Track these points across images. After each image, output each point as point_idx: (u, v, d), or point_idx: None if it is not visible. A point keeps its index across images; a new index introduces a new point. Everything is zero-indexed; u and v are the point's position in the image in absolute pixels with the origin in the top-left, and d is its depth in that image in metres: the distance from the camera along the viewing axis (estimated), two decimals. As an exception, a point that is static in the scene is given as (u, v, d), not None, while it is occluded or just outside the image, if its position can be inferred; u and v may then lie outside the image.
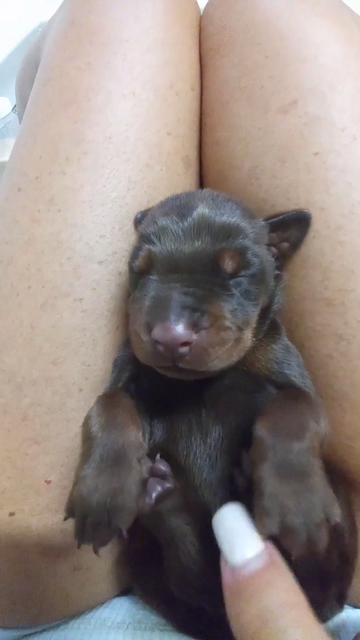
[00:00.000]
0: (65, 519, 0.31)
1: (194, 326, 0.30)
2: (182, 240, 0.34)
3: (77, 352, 0.44)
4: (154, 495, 0.34)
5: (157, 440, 0.38)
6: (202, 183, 0.56)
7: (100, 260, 0.45)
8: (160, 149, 0.49)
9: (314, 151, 0.44)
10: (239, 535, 0.29)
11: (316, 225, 0.43)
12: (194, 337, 0.30)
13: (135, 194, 0.47)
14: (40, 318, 0.44)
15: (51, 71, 0.51)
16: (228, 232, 0.35)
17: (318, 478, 0.29)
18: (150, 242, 0.35)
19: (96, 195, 0.46)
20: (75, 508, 0.31)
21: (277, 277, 0.41)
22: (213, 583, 0.30)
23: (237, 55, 0.50)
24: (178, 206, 0.36)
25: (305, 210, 0.43)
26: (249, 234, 0.36)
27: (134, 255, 0.37)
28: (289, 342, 0.41)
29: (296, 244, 0.44)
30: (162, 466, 0.36)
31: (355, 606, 0.46)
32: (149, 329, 0.30)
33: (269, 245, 0.41)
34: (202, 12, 0.59)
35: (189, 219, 0.35)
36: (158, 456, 0.36)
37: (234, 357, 0.33)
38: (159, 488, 0.35)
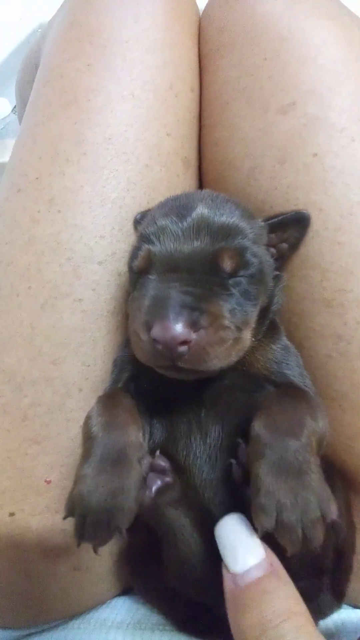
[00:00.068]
0: (65, 517, 0.31)
1: (193, 325, 0.30)
2: (181, 240, 0.34)
3: (77, 353, 0.44)
4: (154, 488, 0.35)
5: (157, 441, 0.38)
6: (201, 184, 0.56)
7: (100, 260, 0.45)
8: (159, 149, 0.49)
9: (312, 152, 0.44)
10: (241, 544, 0.29)
11: (315, 226, 0.43)
12: (193, 336, 0.30)
13: (134, 195, 0.47)
14: (40, 318, 0.44)
15: (51, 72, 0.51)
16: (227, 232, 0.35)
17: (315, 475, 0.29)
18: (150, 242, 0.35)
19: (96, 196, 0.46)
20: (75, 507, 0.31)
21: (276, 278, 0.41)
22: (212, 575, 0.30)
23: (236, 56, 0.50)
24: (177, 206, 0.37)
25: (304, 211, 0.43)
26: (248, 234, 0.36)
27: (134, 255, 0.37)
28: (288, 342, 0.41)
29: (295, 245, 0.44)
30: (162, 462, 0.36)
31: (355, 606, 0.46)
32: (148, 328, 0.31)
33: (268, 245, 0.41)
34: (201, 13, 0.59)
35: (188, 219, 0.35)
36: (158, 452, 0.37)
37: (233, 357, 0.33)
38: (159, 482, 0.35)
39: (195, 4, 0.59)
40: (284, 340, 0.41)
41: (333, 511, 0.29)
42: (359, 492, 0.44)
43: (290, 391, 0.37)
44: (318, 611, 0.40)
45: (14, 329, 0.44)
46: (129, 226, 0.46)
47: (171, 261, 0.34)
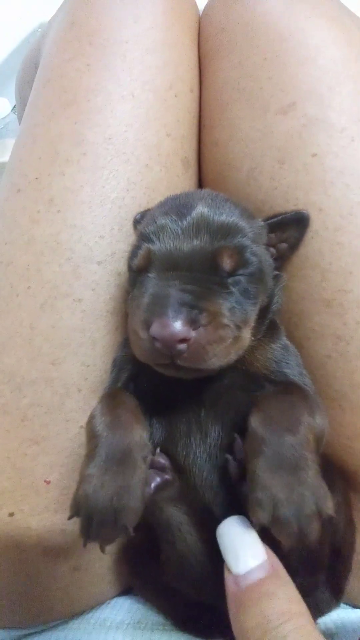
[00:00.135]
0: (70, 517, 0.31)
1: (192, 323, 0.30)
2: (181, 238, 0.34)
3: (77, 353, 0.44)
4: (152, 485, 0.35)
5: (157, 440, 0.38)
6: (201, 184, 0.56)
7: (100, 260, 0.45)
8: (159, 150, 0.49)
9: (312, 152, 0.44)
10: (242, 546, 0.29)
11: (315, 226, 0.43)
12: (192, 334, 0.30)
13: (134, 195, 0.47)
14: (40, 318, 0.44)
15: (51, 72, 0.51)
16: (227, 231, 0.35)
17: (311, 471, 0.29)
18: (150, 240, 0.35)
19: (95, 196, 0.46)
20: (80, 507, 0.31)
21: (276, 278, 0.41)
22: (210, 574, 0.30)
23: (236, 56, 0.50)
24: (177, 205, 0.37)
25: (304, 211, 0.43)
26: (247, 233, 0.36)
27: (133, 253, 0.37)
28: (288, 342, 0.41)
29: (295, 245, 0.44)
30: (162, 459, 0.36)
31: (355, 606, 0.46)
32: (147, 325, 0.31)
33: (268, 245, 0.41)
34: (201, 13, 0.59)
35: (188, 218, 0.35)
36: (158, 450, 0.37)
37: (232, 356, 0.33)
38: (158, 479, 0.35)
39: (195, 4, 0.59)
40: (284, 339, 0.41)
41: (329, 507, 0.29)
42: (359, 492, 0.44)
43: (288, 388, 0.37)
44: (316, 608, 0.40)
45: (14, 329, 0.44)
46: (128, 226, 0.47)
47: (171, 260, 0.34)
